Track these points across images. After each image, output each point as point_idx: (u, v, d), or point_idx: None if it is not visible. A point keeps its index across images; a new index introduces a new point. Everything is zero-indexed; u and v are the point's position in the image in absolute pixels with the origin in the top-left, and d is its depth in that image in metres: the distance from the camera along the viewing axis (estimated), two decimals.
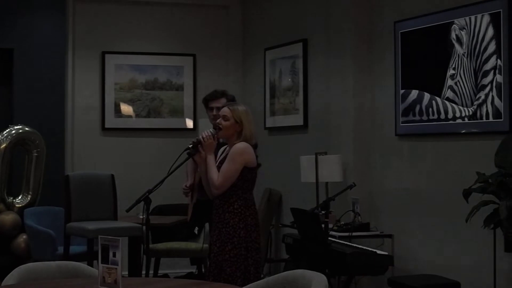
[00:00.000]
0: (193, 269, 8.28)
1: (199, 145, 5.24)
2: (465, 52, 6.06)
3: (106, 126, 9.03)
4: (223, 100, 6.34)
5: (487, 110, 5.85)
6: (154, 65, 9.16)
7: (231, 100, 6.37)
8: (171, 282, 4.60)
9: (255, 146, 5.32)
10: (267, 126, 8.71)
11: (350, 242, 6.41)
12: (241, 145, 5.19)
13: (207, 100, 6.51)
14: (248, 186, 5.22)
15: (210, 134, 5.23)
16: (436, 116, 6.38)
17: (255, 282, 4.29)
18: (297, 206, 6.75)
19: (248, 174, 5.18)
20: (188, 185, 6.30)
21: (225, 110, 5.27)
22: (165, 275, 8.13)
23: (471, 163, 5.96)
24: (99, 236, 3.76)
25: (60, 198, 7.46)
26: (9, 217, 7.87)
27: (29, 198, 8.08)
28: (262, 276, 7.66)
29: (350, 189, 6.40)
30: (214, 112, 6.37)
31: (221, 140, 5.42)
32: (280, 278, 4.12)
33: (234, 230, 5.15)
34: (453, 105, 6.19)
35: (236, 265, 5.11)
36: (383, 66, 7.05)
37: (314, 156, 7.17)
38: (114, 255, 3.67)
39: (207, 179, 5.24)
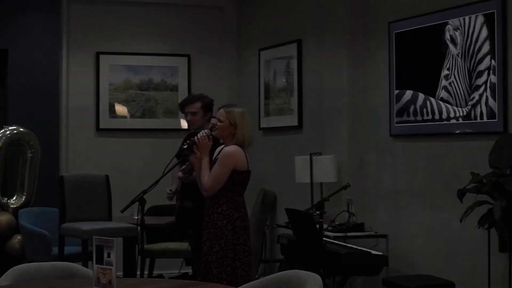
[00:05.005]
0: (188, 270, 8.28)
1: (194, 146, 5.25)
2: (459, 53, 6.07)
3: (101, 126, 9.02)
4: (198, 105, 6.34)
5: (481, 111, 5.86)
6: (148, 65, 9.16)
7: (207, 103, 6.35)
8: (166, 282, 4.60)
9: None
10: (261, 126, 8.71)
11: (344, 243, 6.42)
12: (230, 149, 5.20)
13: (182, 106, 6.51)
14: (238, 189, 5.24)
15: (205, 135, 5.25)
16: (430, 117, 6.39)
17: (250, 283, 4.30)
18: (292, 206, 6.75)
19: (238, 177, 5.20)
20: (172, 190, 6.31)
21: (221, 112, 5.28)
22: (160, 276, 8.13)
23: (465, 163, 5.97)
24: (94, 236, 3.76)
25: (54, 199, 7.45)
26: (3, 218, 7.85)
27: (23, 199, 8.06)
28: (256, 276, 7.67)
29: (345, 190, 6.42)
30: (188, 117, 6.39)
31: (220, 141, 5.43)
32: (275, 278, 4.13)
33: (222, 231, 5.17)
34: (447, 105, 6.20)
35: (222, 266, 5.13)
36: (377, 66, 7.06)
37: (308, 156, 7.17)
38: (108, 256, 3.67)
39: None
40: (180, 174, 5.87)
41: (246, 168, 5.24)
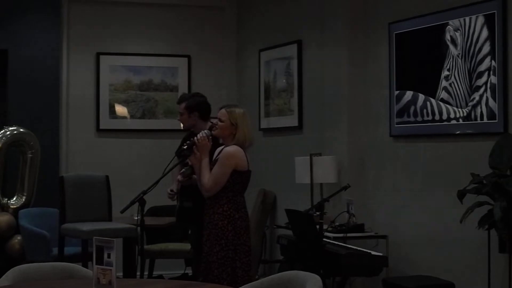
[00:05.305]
0: (188, 270, 8.28)
1: (193, 146, 5.25)
2: (459, 53, 6.07)
3: (101, 127, 9.02)
4: (183, 105, 6.47)
5: (481, 111, 5.86)
6: (148, 66, 9.16)
7: (191, 105, 6.39)
8: (166, 283, 4.59)
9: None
10: (261, 127, 8.71)
11: (344, 243, 6.42)
12: (231, 149, 5.21)
13: (177, 104, 6.67)
14: (238, 189, 5.24)
15: (205, 135, 5.25)
16: (430, 117, 6.38)
17: (250, 283, 4.29)
18: (292, 207, 6.75)
19: (238, 178, 5.20)
20: (173, 190, 6.33)
21: (222, 112, 5.29)
22: (160, 276, 8.13)
23: (465, 164, 5.97)
24: (94, 237, 3.76)
25: (54, 199, 7.45)
26: (3, 218, 7.85)
27: (23, 199, 8.06)
28: (256, 277, 7.67)
29: (345, 190, 6.41)
30: (178, 117, 6.50)
31: (220, 141, 5.44)
32: (275, 279, 4.13)
33: (223, 232, 5.17)
34: (448, 106, 6.19)
35: (223, 267, 5.13)
36: (377, 67, 7.05)
37: (308, 157, 7.17)
38: (108, 256, 3.67)
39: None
40: (179, 177, 5.88)
41: (247, 168, 5.24)
